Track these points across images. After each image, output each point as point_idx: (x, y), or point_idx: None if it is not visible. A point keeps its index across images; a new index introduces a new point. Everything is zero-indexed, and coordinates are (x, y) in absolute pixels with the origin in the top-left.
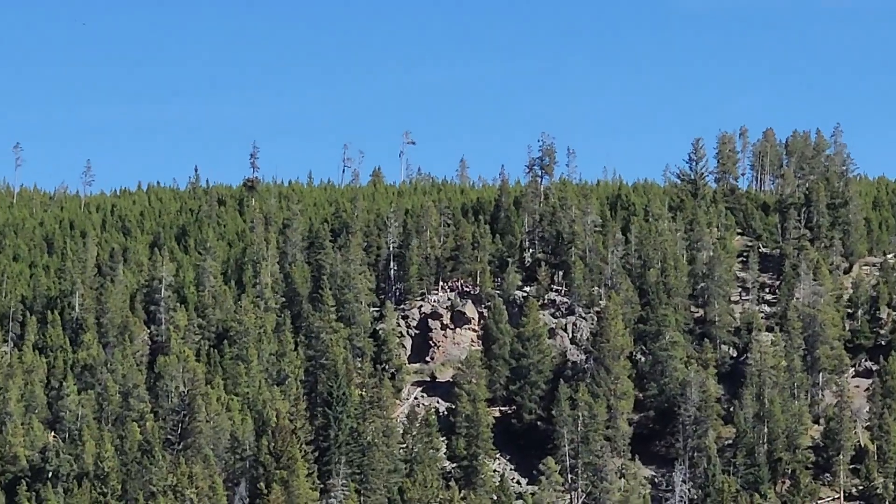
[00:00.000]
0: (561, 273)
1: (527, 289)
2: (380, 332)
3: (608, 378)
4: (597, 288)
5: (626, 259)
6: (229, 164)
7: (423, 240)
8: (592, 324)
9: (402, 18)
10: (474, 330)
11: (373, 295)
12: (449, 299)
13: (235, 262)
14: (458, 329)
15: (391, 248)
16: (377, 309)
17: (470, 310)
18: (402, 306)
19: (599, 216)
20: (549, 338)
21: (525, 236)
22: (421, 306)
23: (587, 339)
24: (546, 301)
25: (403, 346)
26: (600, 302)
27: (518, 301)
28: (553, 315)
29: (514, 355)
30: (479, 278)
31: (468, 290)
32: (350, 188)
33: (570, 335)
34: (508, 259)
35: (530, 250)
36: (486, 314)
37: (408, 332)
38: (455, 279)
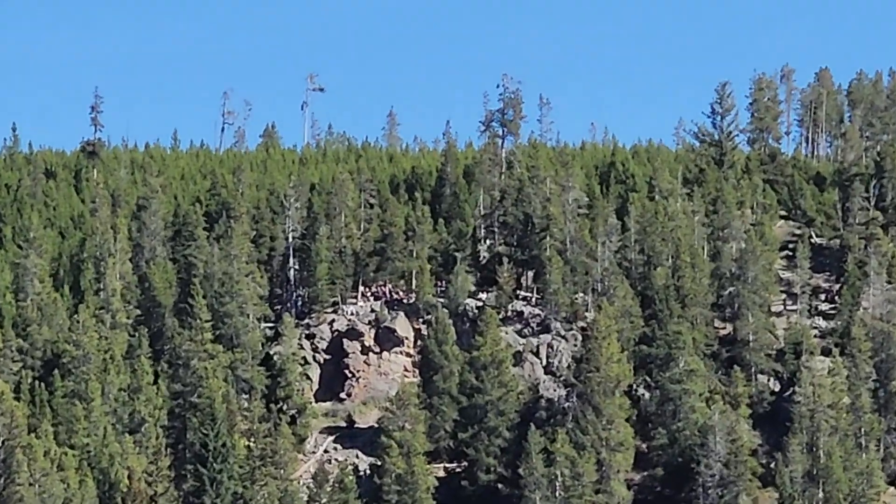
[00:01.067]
0: (531, 274)
1: (483, 296)
2: (275, 357)
3: (598, 422)
4: (582, 294)
5: (624, 253)
6: (62, 121)
7: (336, 227)
8: (576, 345)
9: None
10: (408, 354)
11: (265, 305)
12: (373, 311)
13: (70, 258)
14: (385, 353)
15: (290, 240)
16: (271, 325)
17: (402, 326)
18: (306, 321)
19: (585, 193)
20: (514, 365)
21: (480, 221)
22: (333, 321)
23: (568, 366)
24: (510, 313)
25: (308, 378)
26: (587, 314)
27: (471, 313)
28: (520, 333)
29: (466, 390)
30: (415, 281)
31: (399, 297)
32: (232, 154)
33: (545, 361)
34: (457, 254)
35: (487, 241)
36: (424, 332)
37: (314, 357)
38: (381, 283)
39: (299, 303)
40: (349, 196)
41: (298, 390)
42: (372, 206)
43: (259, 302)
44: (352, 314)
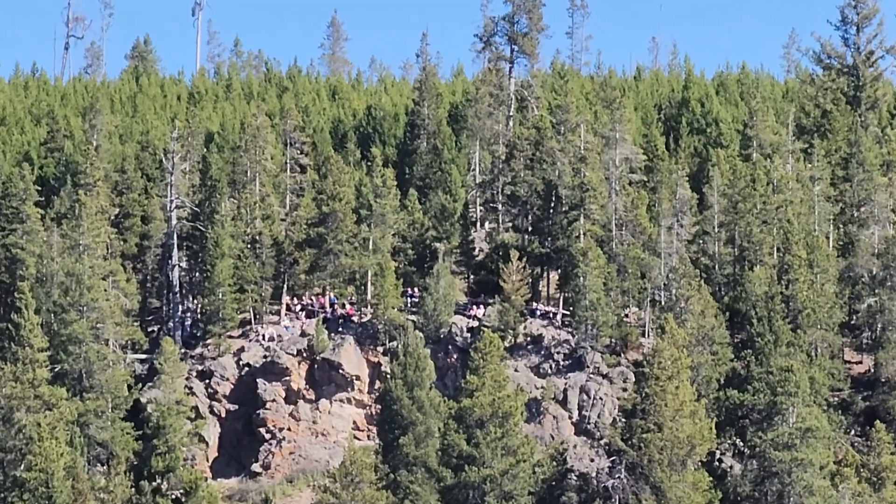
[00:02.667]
0: (554, 276)
1: (478, 311)
2: (149, 407)
3: None
4: (636, 310)
5: (702, 245)
6: None
7: (248, 202)
8: (625, 389)
9: None
10: (360, 403)
11: (133, 326)
12: (304, 335)
13: None
14: (324, 402)
15: (174, 222)
16: (143, 357)
17: (351, 358)
18: (198, 351)
19: (642, 149)
20: (528, 420)
21: (475, 193)
22: (241, 351)
23: (614, 423)
24: (522, 338)
25: (202, 441)
26: (642, 341)
27: (459, 338)
28: (538, 370)
29: (451, 460)
30: (371, 288)
31: (347, 314)
32: (82, 86)
33: (576, 415)
34: (438, 245)
35: (487, 225)
36: (386, 368)
37: (212, 408)
38: (318, 291)
39: (188, 322)
40: (268, 153)
41: (186, 460)
42: (304, 168)
43: (124, 320)
44: (271, 339)
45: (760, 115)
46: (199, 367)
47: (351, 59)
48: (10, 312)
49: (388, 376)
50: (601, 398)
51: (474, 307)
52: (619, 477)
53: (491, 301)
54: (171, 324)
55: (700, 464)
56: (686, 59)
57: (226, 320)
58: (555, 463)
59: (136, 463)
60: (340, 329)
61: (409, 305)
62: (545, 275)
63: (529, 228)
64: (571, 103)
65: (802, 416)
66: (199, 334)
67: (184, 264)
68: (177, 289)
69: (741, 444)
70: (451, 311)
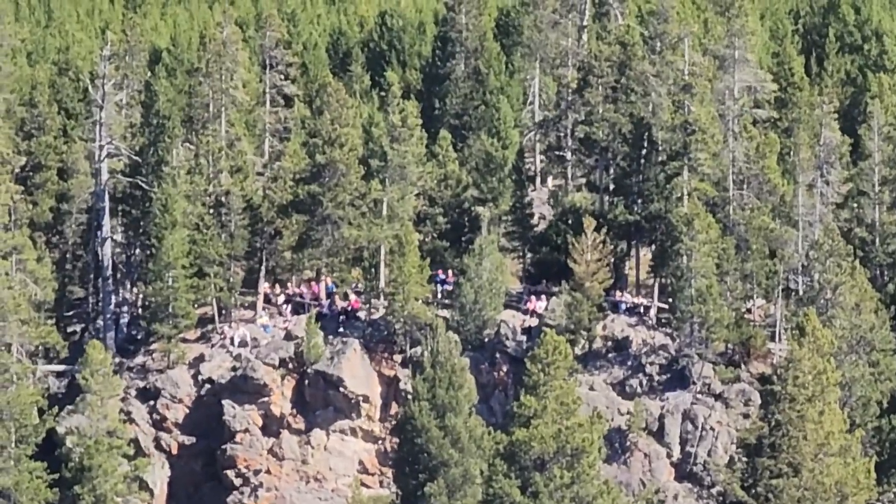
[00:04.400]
0: (647, 255)
1: (540, 304)
2: (67, 440)
3: None
4: (763, 302)
5: (857, 209)
6: None
7: (209, 149)
8: (747, 416)
9: None
10: (371, 435)
11: (47, 326)
12: (290, 336)
13: None
14: (317, 432)
15: (104, 178)
16: (60, 369)
17: (357, 370)
18: (139, 360)
19: (771, 73)
20: (611, 459)
21: (534, 135)
22: (200, 360)
23: (731, 463)
24: (603, 344)
25: (146, 489)
26: (771, 347)
27: (511, 343)
28: (623, 387)
29: None
30: (385, 271)
31: (351, 306)
32: None
33: (678, 451)
34: (481, 209)
35: (551, 180)
36: (406, 384)
37: (159, 441)
38: (309, 276)
39: (124, 320)
40: (238, 79)
41: None
42: (290, 101)
43: (34, 317)
44: (243, 344)
45: None
46: (141, 384)
47: None
48: None
49: (410, 397)
50: (713, 428)
51: (532, 299)
52: None
53: (556, 290)
54: (100, 322)
55: None
56: None
57: (178, 317)
58: None
59: None
60: (342, 330)
61: (439, 296)
62: (634, 253)
63: (611, 187)
64: (671, 9)
65: None
66: (140, 337)
67: (118, 237)
68: (108, 273)
69: None
70: (500, 305)
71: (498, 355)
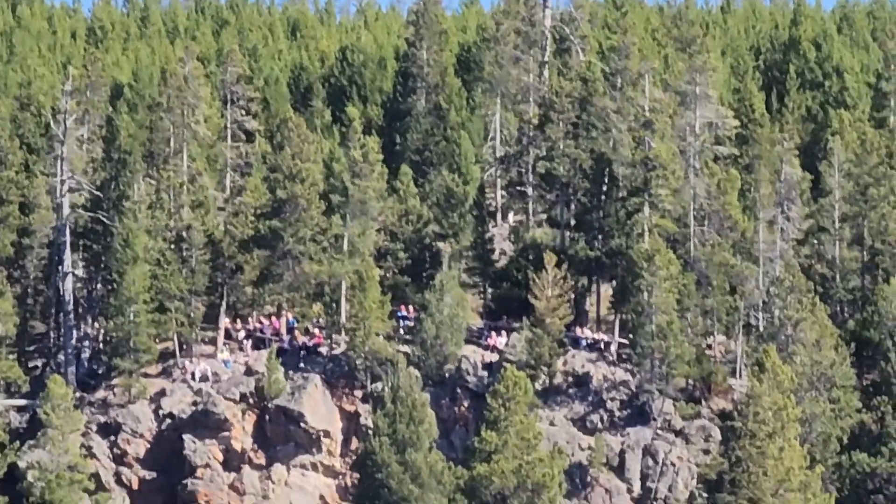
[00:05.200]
0: (607, 291)
1: (500, 339)
2: (29, 476)
3: None
4: (723, 338)
5: (819, 247)
6: None
7: (170, 184)
8: (707, 451)
9: None
10: (332, 470)
11: (8, 361)
12: (250, 372)
13: None
14: (277, 467)
15: (66, 213)
16: (21, 404)
17: (317, 404)
18: (100, 394)
19: (733, 110)
20: (571, 495)
21: (495, 170)
22: (162, 395)
23: (693, 498)
24: (563, 379)
25: None
26: (731, 384)
27: (472, 378)
28: (583, 424)
29: None
30: (346, 307)
31: (312, 342)
32: None
33: (639, 486)
34: (441, 245)
35: (512, 216)
36: (367, 420)
37: (119, 476)
38: (269, 311)
39: (85, 354)
40: (200, 114)
41: None
42: (251, 136)
43: None
44: (204, 379)
45: None
46: (102, 419)
47: None
48: None
49: (371, 432)
50: (673, 464)
51: (493, 334)
52: None
53: (517, 326)
54: (61, 357)
55: None
56: None
57: (139, 352)
58: None
59: None
60: (302, 365)
61: (400, 331)
62: (595, 289)
63: (572, 222)
64: (632, 45)
65: None
66: (101, 372)
67: (80, 272)
68: (69, 307)
69: None
70: (461, 341)
71: (459, 390)
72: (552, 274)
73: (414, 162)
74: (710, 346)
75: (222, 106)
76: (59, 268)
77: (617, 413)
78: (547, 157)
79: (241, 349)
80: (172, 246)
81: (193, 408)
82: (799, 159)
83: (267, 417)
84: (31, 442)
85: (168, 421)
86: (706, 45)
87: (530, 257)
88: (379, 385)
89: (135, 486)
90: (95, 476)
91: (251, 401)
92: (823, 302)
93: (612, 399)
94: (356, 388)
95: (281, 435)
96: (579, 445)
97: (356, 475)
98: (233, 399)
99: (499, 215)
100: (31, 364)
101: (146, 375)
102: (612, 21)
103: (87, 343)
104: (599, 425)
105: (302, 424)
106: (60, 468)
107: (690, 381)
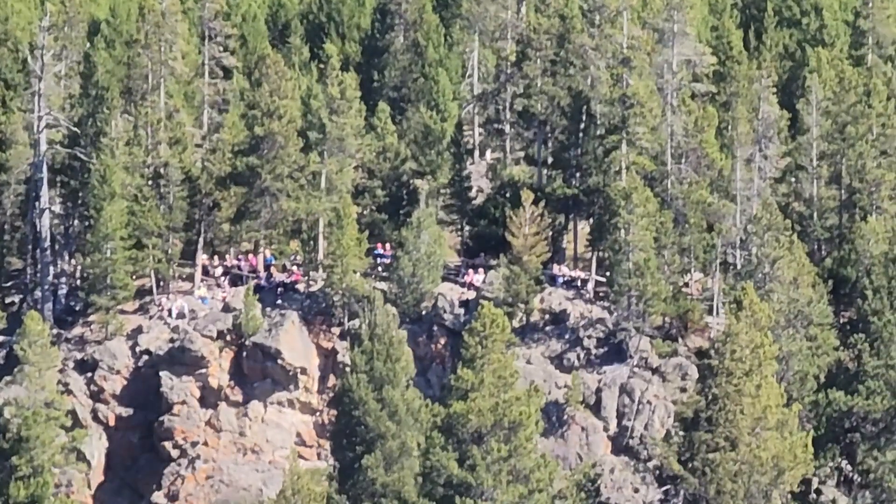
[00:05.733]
0: (585, 229)
1: (477, 277)
2: (5, 412)
3: None
4: (701, 275)
5: (794, 184)
6: None
7: (148, 119)
8: (684, 390)
9: None
10: (309, 407)
11: None
12: (228, 309)
13: None
14: (254, 404)
15: (43, 148)
16: None
17: (294, 341)
18: (76, 331)
19: (710, 47)
20: (548, 433)
21: (473, 107)
22: (138, 331)
23: (668, 437)
24: (540, 317)
25: (83, 460)
26: (707, 321)
27: (448, 316)
28: (560, 361)
29: (437, 488)
30: (323, 244)
31: (291, 280)
32: None
33: (615, 425)
34: (419, 182)
35: (489, 153)
36: (344, 357)
37: (96, 412)
38: (247, 248)
39: (62, 291)
40: (177, 50)
41: (59, 486)
42: (228, 73)
43: None
44: (181, 316)
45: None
46: (79, 355)
47: None
48: None
49: (348, 369)
50: (650, 402)
51: (470, 272)
52: None
53: (494, 263)
54: (38, 293)
55: (791, 496)
56: None
57: (116, 288)
58: (584, 494)
59: None
60: (280, 302)
61: (377, 269)
62: (572, 226)
63: (550, 160)
64: None
65: None
66: (78, 308)
67: (57, 208)
68: (46, 244)
69: (849, 467)
70: (438, 278)
71: (435, 328)
72: (529, 211)
73: (392, 99)
74: (686, 284)
75: (200, 42)
76: (36, 204)
77: (594, 351)
78: (525, 95)
79: (218, 286)
80: (150, 182)
81: (170, 345)
82: (777, 97)
83: (244, 354)
84: (8, 378)
85: (145, 357)
86: None
87: (508, 195)
88: (356, 322)
89: (111, 423)
90: (72, 413)
91: (228, 338)
92: (801, 240)
93: (589, 337)
94: (333, 325)
95: (258, 372)
96: (556, 383)
97: (333, 412)
98: (210, 336)
99: (476, 153)
100: (7, 300)
101: (123, 312)
102: None
103: (63, 280)
104: (576, 363)
105: (279, 361)
106: (37, 405)
107: (667, 319)
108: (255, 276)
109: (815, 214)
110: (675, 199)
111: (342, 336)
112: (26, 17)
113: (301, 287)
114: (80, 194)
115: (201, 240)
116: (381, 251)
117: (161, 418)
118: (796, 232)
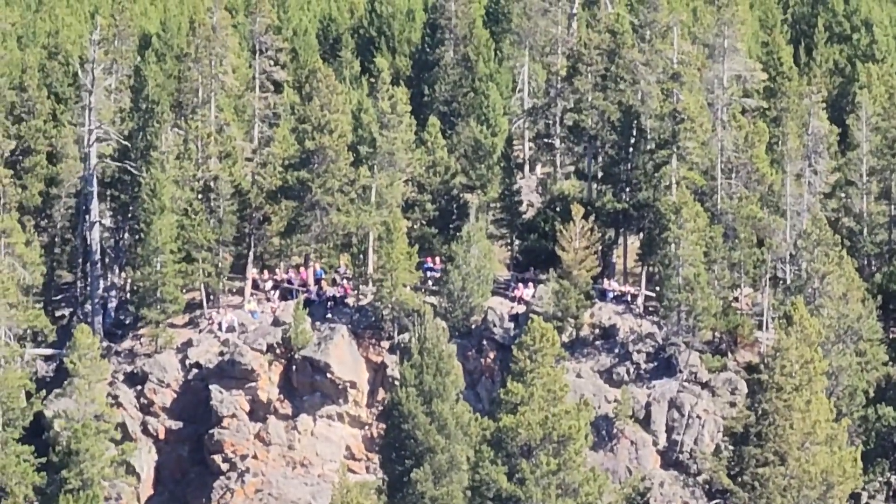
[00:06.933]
0: (635, 243)
1: (527, 291)
2: (55, 424)
3: None
4: (751, 291)
5: (844, 199)
6: None
7: (198, 133)
8: (733, 404)
9: None
10: (358, 420)
11: (35, 310)
12: (278, 322)
13: None
14: (304, 417)
15: (93, 162)
16: (48, 353)
17: (344, 354)
18: (127, 344)
19: (761, 62)
20: (597, 447)
21: (523, 122)
22: (188, 345)
23: (717, 451)
24: (590, 332)
25: (133, 473)
26: (758, 336)
27: (498, 330)
28: (610, 376)
29: (486, 502)
30: (373, 258)
31: (341, 293)
32: None
33: (664, 439)
34: (468, 196)
35: (539, 168)
36: (394, 371)
37: (146, 425)
38: (297, 262)
39: (112, 304)
40: (228, 65)
41: (109, 499)
42: (279, 87)
43: (22, 301)
44: (230, 329)
45: None
46: (129, 368)
47: None
48: None
49: (397, 383)
50: (699, 416)
51: (520, 286)
52: None
53: (544, 277)
54: (88, 307)
55: None
56: None
57: (166, 302)
58: None
59: (37, 503)
60: (329, 316)
61: (427, 283)
62: (622, 241)
63: (600, 175)
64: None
65: None
66: (128, 322)
67: (107, 222)
68: (97, 257)
69: None
70: (488, 292)
71: (485, 342)
72: (579, 226)
73: (442, 113)
74: (736, 299)
75: (250, 56)
76: (87, 217)
77: (643, 365)
78: (575, 109)
79: (268, 300)
80: (200, 196)
81: (220, 358)
82: (826, 112)
83: (293, 368)
84: (58, 391)
85: (195, 371)
86: None
87: (558, 209)
88: (406, 336)
89: (161, 436)
90: (122, 426)
91: (278, 351)
92: (850, 255)
93: (639, 351)
94: (383, 339)
95: (307, 385)
96: (605, 398)
97: (382, 426)
98: (259, 349)
99: (526, 167)
100: (58, 313)
101: (173, 325)
102: None
103: (113, 293)
104: (626, 378)
105: (328, 375)
106: (87, 417)
107: (717, 334)
108: (305, 289)
109: (864, 230)
110: (725, 213)
111: (391, 350)
112: (77, 30)
113: (351, 301)
114: (131, 208)
115: (251, 253)
116: (430, 265)
117: (210, 431)
118: (846, 247)
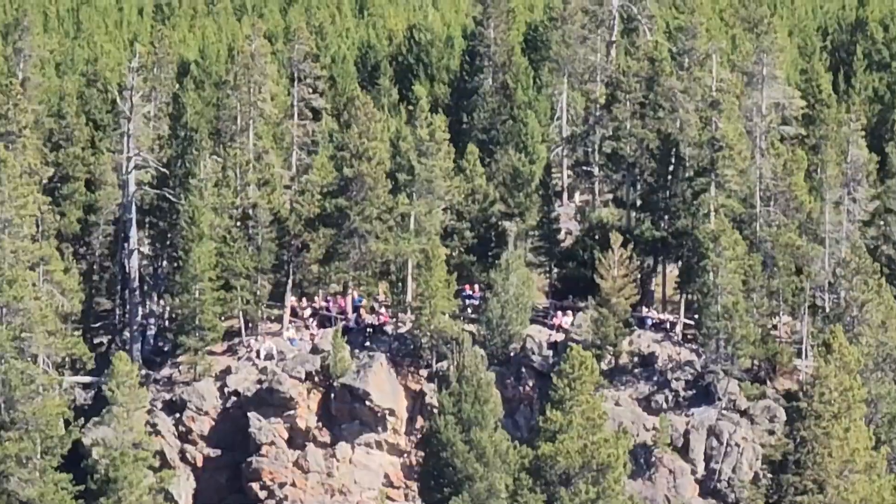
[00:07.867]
0: (673, 272)
1: (565, 319)
2: (94, 453)
3: None
4: (790, 319)
5: (883, 227)
6: None
7: (236, 161)
8: (773, 431)
9: None
10: (397, 448)
11: (73, 337)
12: (317, 350)
13: None
14: (342, 445)
15: (132, 190)
16: (87, 381)
17: (383, 383)
18: (166, 372)
19: (799, 90)
20: (636, 475)
21: (561, 150)
22: (227, 372)
23: (756, 480)
24: (628, 360)
25: (170, 500)
26: (797, 362)
27: (537, 358)
28: (648, 404)
29: None
30: (412, 285)
31: (379, 321)
32: None
33: (702, 468)
34: (507, 224)
35: (578, 196)
36: (432, 399)
37: (184, 453)
38: (334, 286)
39: (151, 332)
40: (267, 92)
41: None
42: (318, 114)
43: (60, 328)
44: (269, 357)
45: None
46: (167, 396)
47: None
48: None
49: (436, 411)
50: (738, 444)
51: (558, 314)
52: None
53: (582, 305)
54: (126, 334)
55: None
56: None
57: (205, 330)
58: None
59: None
60: (368, 344)
61: (465, 310)
62: (660, 269)
63: (638, 203)
64: (700, 25)
65: None
66: (166, 349)
67: (146, 249)
68: (135, 284)
69: None
70: (526, 320)
71: (524, 370)
72: (618, 254)
73: (480, 141)
74: (775, 327)
75: (289, 84)
76: (125, 245)
77: (682, 393)
78: (613, 137)
79: (306, 327)
80: (238, 223)
81: (258, 386)
82: (866, 140)
83: (332, 396)
84: (96, 419)
85: (233, 399)
86: (773, 25)
87: (596, 237)
88: (444, 364)
89: (199, 464)
90: (160, 453)
91: (316, 379)
92: (890, 283)
93: (678, 379)
94: (421, 367)
95: (346, 413)
96: (644, 426)
97: (421, 454)
98: (298, 377)
99: (565, 195)
100: (96, 341)
101: (211, 353)
102: (679, 1)
103: (152, 320)
104: (664, 405)
105: (367, 403)
106: (125, 445)
107: (756, 362)
108: (344, 317)
109: None
110: (763, 241)
111: (430, 378)
112: (116, 57)
113: (389, 329)
114: (169, 235)
115: (290, 281)
116: (469, 293)
117: (249, 459)
118: (885, 275)
